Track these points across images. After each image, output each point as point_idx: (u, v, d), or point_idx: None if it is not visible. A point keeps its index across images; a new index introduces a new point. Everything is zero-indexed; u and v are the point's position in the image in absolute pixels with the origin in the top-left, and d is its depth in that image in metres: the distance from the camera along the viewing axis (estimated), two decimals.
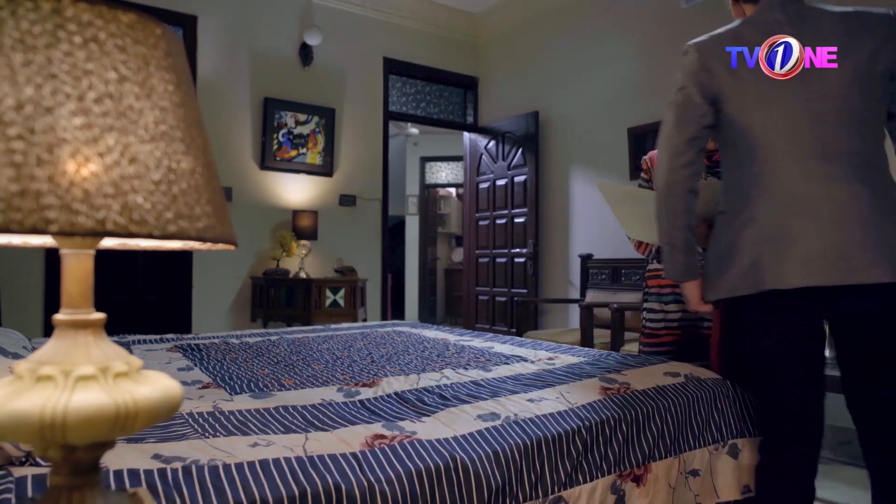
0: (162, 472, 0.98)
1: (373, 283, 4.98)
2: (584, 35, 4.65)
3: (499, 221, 5.36)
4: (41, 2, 0.52)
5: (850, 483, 2.41)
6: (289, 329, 3.12)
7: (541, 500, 1.24)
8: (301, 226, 4.51)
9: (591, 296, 4.27)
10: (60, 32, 0.52)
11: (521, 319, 4.62)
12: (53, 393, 0.53)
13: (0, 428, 0.52)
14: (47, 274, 3.82)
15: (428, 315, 8.60)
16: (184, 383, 1.53)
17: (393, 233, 6.18)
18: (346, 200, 4.92)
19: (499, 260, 5.35)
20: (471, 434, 1.26)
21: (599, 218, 4.40)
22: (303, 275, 4.40)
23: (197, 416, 1.31)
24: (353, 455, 1.11)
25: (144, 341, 2.46)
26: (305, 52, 4.69)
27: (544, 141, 4.95)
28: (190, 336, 2.69)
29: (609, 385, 1.63)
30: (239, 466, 1.02)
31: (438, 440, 1.21)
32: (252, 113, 4.52)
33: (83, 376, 0.55)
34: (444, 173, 8.80)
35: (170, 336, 2.63)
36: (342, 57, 4.91)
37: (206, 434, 1.19)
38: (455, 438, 1.23)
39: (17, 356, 1.50)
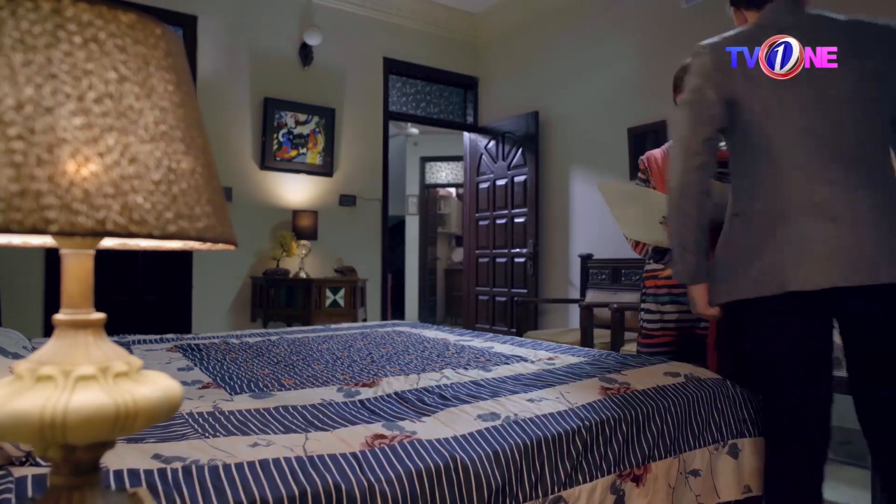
0: (162, 472, 0.98)
1: (373, 283, 4.98)
2: (584, 35, 4.65)
3: (499, 221, 5.36)
4: (41, 2, 0.52)
5: (850, 483, 2.41)
6: (289, 329, 3.12)
7: (541, 500, 1.24)
8: (301, 226, 4.51)
9: (591, 296, 4.27)
10: (60, 32, 0.52)
11: (521, 319, 4.62)
12: (53, 393, 0.53)
13: (0, 428, 0.52)
14: (47, 274, 3.82)
15: (428, 315, 8.60)
16: (184, 383, 1.53)
17: (393, 233, 6.18)
18: (346, 200, 4.92)
19: (499, 260, 5.35)
20: (471, 434, 1.26)
21: (599, 218, 4.40)
22: (303, 275, 4.40)
23: (197, 416, 1.31)
24: (353, 455, 1.11)
25: (144, 341, 2.46)
26: (305, 52, 4.69)
27: (544, 141, 4.95)
28: (190, 336, 2.69)
29: (609, 385, 1.63)
30: (239, 466, 1.02)
31: (438, 440, 1.21)
32: (252, 113, 4.52)
33: (83, 376, 0.55)
34: (444, 173, 8.80)
35: (170, 336, 2.63)
36: (342, 57, 4.91)
37: (206, 434, 1.19)
38: (455, 438, 1.23)
39: (17, 356, 1.50)
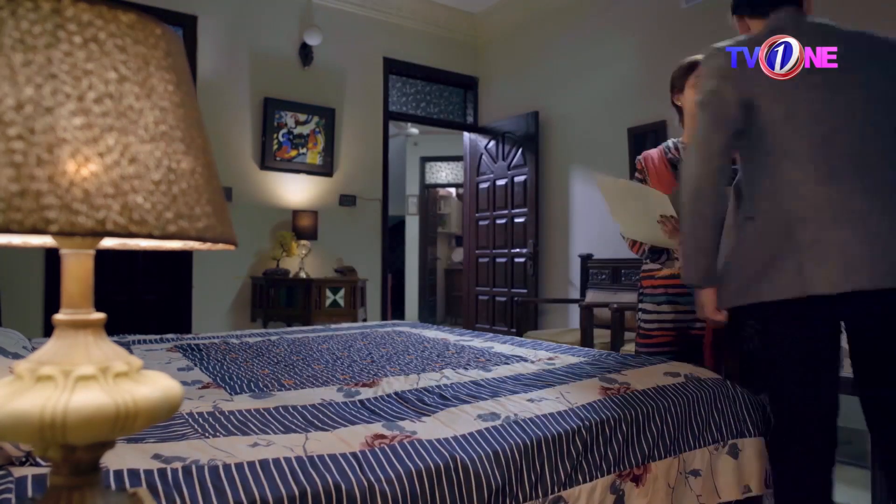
0: (162, 472, 0.98)
1: (373, 283, 4.98)
2: (584, 35, 4.65)
3: (499, 221, 5.36)
4: (41, 2, 0.52)
5: (851, 483, 2.41)
6: (289, 329, 3.12)
7: (540, 499, 1.24)
8: (301, 226, 4.51)
9: (591, 296, 4.27)
10: (60, 32, 0.52)
11: (521, 319, 4.62)
12: (53, 393, 0.53)
13: (0, 428, 0.52)
14: (47, 274, 3.82)
15: (428, 315, 8.60)
16: (184, 383, 1.53)
17: (393, 233, 6.18)
18: (346, 200, 4.92)
19: (499, 260, 5.35)
20: (471, 434, 1.26)
21: (599, 218, 4.40)
22: (303, 275, 4.40)
23: (197, 416, 1.31)
24: (353, 455, 1.11)
25: (144, 341, 2.46)
26: (305, 52, 4.69)
27: (544, 141, 4.95)
28: (190, 336, 2.69)
29: (609, 385, 1.63)
30: (239, 466, 1.02)
31: (438, 440, 1.21)
32: (252, 113, 4.52)
33: (83, 376, 0.55)
34: (444, 173, 8.80)
35: (170, 336, 2.63)
36: (342, 57, 4.91)
37: (206, 434, 1.19)
38: (455, 438, 1.23)
39: (17, 356, 1.50)
